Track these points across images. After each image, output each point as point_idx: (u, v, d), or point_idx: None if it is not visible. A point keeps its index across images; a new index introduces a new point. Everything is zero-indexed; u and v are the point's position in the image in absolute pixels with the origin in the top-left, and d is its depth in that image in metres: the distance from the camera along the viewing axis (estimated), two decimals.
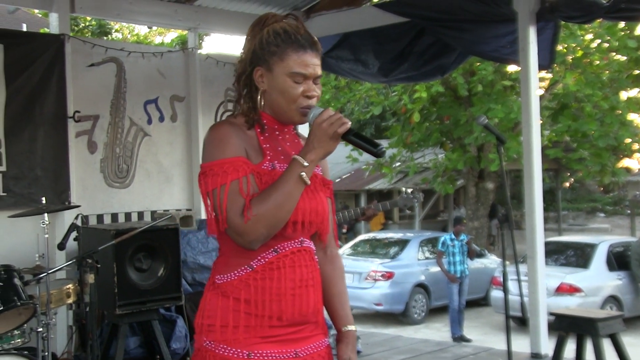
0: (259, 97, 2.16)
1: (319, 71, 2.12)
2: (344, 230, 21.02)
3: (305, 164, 2.03)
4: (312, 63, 2.10)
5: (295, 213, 2.09)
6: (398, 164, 17.77)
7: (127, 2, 6.31)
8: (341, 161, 20.38)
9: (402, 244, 13.13)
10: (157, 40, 21.94)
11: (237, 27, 7.31)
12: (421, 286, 12.33)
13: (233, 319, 2.09)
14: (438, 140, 16.40)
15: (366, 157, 17.15)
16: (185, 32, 15.79)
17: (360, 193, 23.65)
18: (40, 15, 13.98)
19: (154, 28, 19.44)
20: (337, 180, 23.79)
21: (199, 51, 7.01)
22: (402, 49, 7.02)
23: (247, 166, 2.06)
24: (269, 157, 2.12)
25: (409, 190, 5.16)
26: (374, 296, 11.89)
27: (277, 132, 2.19)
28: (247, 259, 2.10)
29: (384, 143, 16.94)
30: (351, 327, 2.29)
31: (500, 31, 6.36)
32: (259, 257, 2.10)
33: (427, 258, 12.74)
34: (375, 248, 13.61)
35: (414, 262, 12.60)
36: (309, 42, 2.11)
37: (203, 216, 6.44)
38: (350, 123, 2.05)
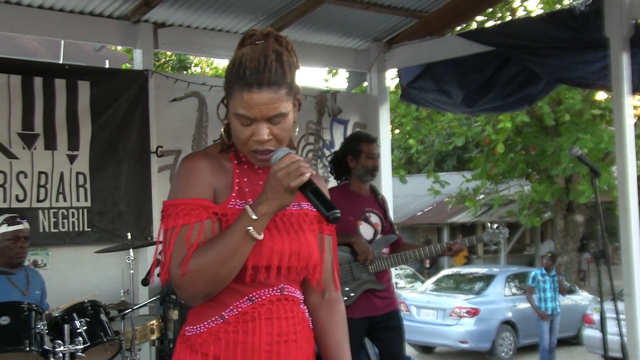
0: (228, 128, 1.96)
1: (273, 111, 1.82)
2: (427, 265, 20.67)
3: (254, 217, 1.78)
4: (258, 103, 1.80)
5: (270, 257, 1.86)
6: (482, 196, 17.40)
7: (209, 37, 6.36)
8: (423, 194, 20.11)
9: (488, 279, 12.73)
10: None
11: (317, 59, 7.31)
12: (508, 323, 11.88)
13: None
14: (524, 172, 15.97)
15: (448, 190, 16.85)
16: None
17: (442, 227, 23.28)
18: (122, 52, 14.39)
19: None
20: (419, 214, 23.50)
21: None
22: (487, 78, 6.83)
23: (204, 210, 1.84)
24: (234, 194, 1.90)
25: (495, 225, 4.91)
26: (459, 333, 11.52)
27: (258, 166, 1.96)
28: (219, 309, 1.88)
29: (467, 175, 16.80)
30: None
31: (590, 57, 6.10)
32: (232, 307, 1.88)
33: (514, 294, 12.30)
34: (459, 283, 13.25)
35: (501, 298, 12.17)
36: (257, 78, 1.80)
37: None
38: (309, 175, 1.76)
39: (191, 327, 1.92)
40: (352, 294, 4.48)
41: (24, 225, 4.65)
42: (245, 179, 1.94)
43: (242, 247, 1.80)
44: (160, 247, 1.90)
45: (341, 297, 2.13)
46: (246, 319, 1.87)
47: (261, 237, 1.81)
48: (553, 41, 6.08)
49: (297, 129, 2.00)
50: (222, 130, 1.97)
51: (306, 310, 2.03)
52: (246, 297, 1.88)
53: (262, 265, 1.86)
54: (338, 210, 1.76)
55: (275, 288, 1.91)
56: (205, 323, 1.89)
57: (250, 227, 1.78)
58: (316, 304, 2.07)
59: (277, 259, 1.87)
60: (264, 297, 1.90)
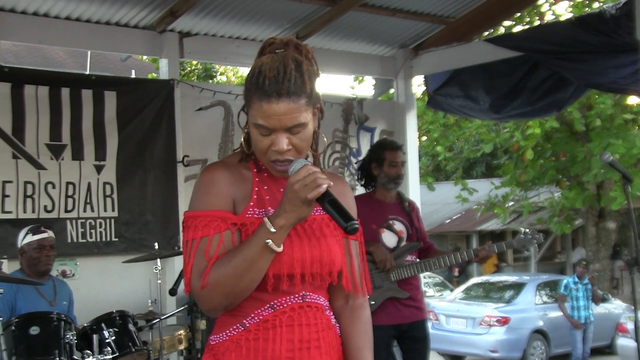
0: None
1: (291, 121, 1.80)
2: (456, 274, 20.49)
3: (273, 230, 1.76)
4: (277, 113, 1.78)
5: (291, 266, 1.85)
6: (511, 203, 17.19)
7: (235, 45, 6.36)
8: (451, 201, 19.96)
9: (518, 287, 12.55)
10: None
11: (343, 66, 7.29)
12: (540, 332, 11.68)
13: None
14: (553, 178, 15.75)
15: (477, 197, 16.69)
16: None
17: (471, 234, 23.06)
18: (148, 61, 14.49)
19: None
20: (447, 221, 23.33)
21: None
22: (515, 84, 6.75)
23: (222, 221, 1.84)
24: (252, 203, 1.89)
25: (527, 230, 4.79)
26: (489, 342, 11.36)
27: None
28: (240, 316, 1.89)
29: (496, 182, 16.62)
30: None
31: (621, 62, 6.00)
32: (253, 315, 1.88)
33: (545, 302, 12.10)
34: (489, 292, 13.08)
35: (531, 307, 11.98)
36: (277, 88, 1.78)
37: None
38: (325, 186, 1.74)
39: (215, 336, 1.94)
40: (373, 302, 4.41)
41: (49, 233, 4.65)
42: (265, 187, 1.93)
43: (260, 259, 1.80)
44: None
45: (367, 303, 2.10)
46: (267, 327, 1.87)
47: (280, 249, 1.80)
48: (583, 45, 5.99)
49: (325, 138, 1.98)
50: (242, 139, 1.97)
51: (332, 317, 2.00)
52: (268, 305, 1.88)
53: (283, 273, 1.85)
54: (356, 221, 1.74)
55: (297, 295, 1.90)
56: (227, 331, 1.90)
57: (269, 240, 1.78)
58: (340, 310, 2.04)
59: (299, 267, 1.86)
60: (285, 305, 1.89)
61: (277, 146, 1.82)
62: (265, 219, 1.79)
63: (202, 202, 1.88)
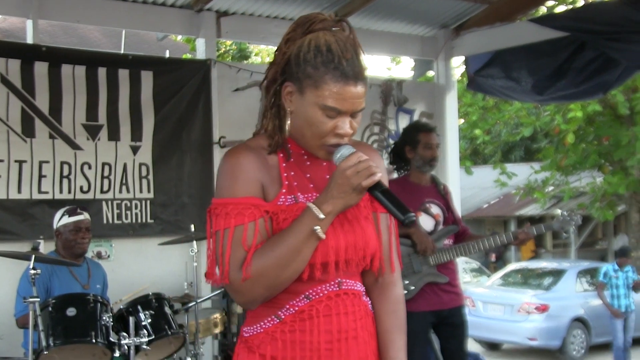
0: (286, 117, 1.83)
1: (359, 105, 1.78)
2: (493, 259, 20.25)
3: (322, 216, 1.71)
4: (353, 96, 1.75)
5: (325, 253, 1.77)
6: (551, 188, 16.91)
7: (273, 25, 6.25)
8: (489, 185, 19.71)
9: (558, 274, 12.34)
10: None
11: (383, 47, 7.16)
12: (580, 320, 11.48)
13: None
14: (596, 163, 15.40)
15: (516, 181, 16.42)
16: None
17: (509, 219, 22.77)
18: (182, 42, 14.42)
19: None
20: (485, 206, 23.07)
21: None
22: (560, 64, 6.53)
23: (256, 209, 1.76)
24: (284, 190, 1.81)
25: (565, 212, 4.65)
26: (528, 330, 11.19)
27: (306, 157, 1.87)
28: (275, 308, 1.81)
29: (536, 166, 16.33)
30: None
31: None
32: (288, 306, 1.81)
33: (585, 290, 11.89)
34: (527, 278, 12.89)
35: (572, 294, 11.78)
36: (354, 71, 1.74)
37: None
38: (380, 175, 1.72)
39: (248, 328, 1.87)
40: (412, 287, 4.36)
41: (85, 215, 4.62)
42: (292, 173, 1.85)
43: (306, 247, 1.73)
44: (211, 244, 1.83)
45: (398, 279, 2.00)
46: (303, 318, 1.80)
47: (324, 236, 1.74)
48: (635, 25, 5.76)
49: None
50: (282, 122, 1.84)
51: (369, 302, 1.93)
52: (303, 295, 1.81)
53: (317, 262, 1.77)
54: (413, 214, 1.71)
55: (333, 283, 1.83)
56: (262, 323, 1.84)
57: (318, 227, 1.71)
58: (369, 289, 1.95)
59: (333, 254, 1.78)
60: (321, 294, 1.82)
61: (343, 129, 1.78)
62: (311, 205, 1.72)
63: (231, 188, 1.79)
